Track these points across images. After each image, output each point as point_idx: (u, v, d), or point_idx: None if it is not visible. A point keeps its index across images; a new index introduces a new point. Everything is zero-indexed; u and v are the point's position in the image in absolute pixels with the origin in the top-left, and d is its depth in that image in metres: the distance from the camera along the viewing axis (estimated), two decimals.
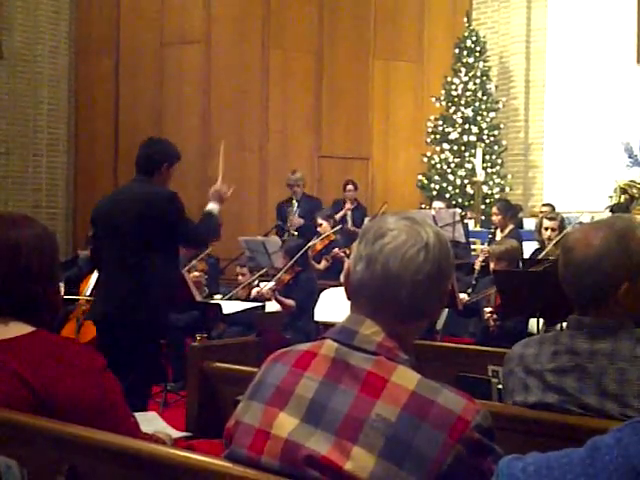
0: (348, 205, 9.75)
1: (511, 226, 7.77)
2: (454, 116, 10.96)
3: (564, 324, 2.39)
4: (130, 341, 4.20)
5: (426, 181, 11.03)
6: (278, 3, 11.35)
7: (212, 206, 4.55)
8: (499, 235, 7.50)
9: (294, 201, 9.63)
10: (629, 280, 1.99)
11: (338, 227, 8.75)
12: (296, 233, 9.21)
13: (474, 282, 6.32)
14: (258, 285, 7.41)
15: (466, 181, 10.71)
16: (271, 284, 6.93)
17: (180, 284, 6.04)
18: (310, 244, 7.44)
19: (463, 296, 6.13)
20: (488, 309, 5.78)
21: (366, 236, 1.56)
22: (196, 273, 7.22)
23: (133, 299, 4.27)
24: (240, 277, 7.66)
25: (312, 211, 9.18)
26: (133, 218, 4.27)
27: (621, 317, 2.02)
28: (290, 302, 6.66)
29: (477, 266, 6.54)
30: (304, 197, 9.73)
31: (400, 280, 1.51)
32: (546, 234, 6.68)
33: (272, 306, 6.93)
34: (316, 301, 6.94)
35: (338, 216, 9.69)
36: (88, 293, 6.91)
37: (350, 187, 9.95)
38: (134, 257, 4.28)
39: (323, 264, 8.53)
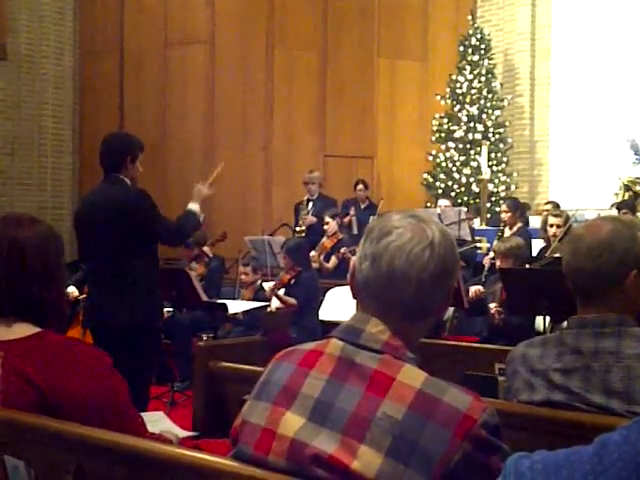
0: (352, 212, 9.62)
1: (520, 224, 7.74)
2: (459, 114, 10.93)
3: None
4: (122, 347, 4.16)
5: (431, 179, 11.01)
6: (282, 1, 11.34)
7: (193, 205, 4.51)
8: (507, 233, 7.47)
9: (305, 200, 9.54)
10: (638, 268, 2.00)
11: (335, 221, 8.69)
12: (304, 233, 9.14)
13: (483, 280, 6.28)
14: (262, 286, 7.40)
15: (471, 179, 10.68)
16: (272, 284, 6.93)
17: (186, 284, 6.07)
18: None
19: (476, 287, 6.05)
20: (493, 304, 5.77)
21: (371, 234, 1.55)
22: (193, 273, 7.16)
23: (116, 305, 4.21)
24: (243, 277, 7.61)
25: (326, 211, 9.04)
26: (105, 225, 4.22)
27: (623, 311, 2.02)
28: (291, 300, 6.66)
29: (486, 263, 6.50)
30: (320, 197, 9.60)
31: (405, 278, 1.50)
32: (551, 231, 6.67)
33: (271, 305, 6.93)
34: (320, 300, 6.93)
35: (344, 220, 9.63)
36: None
37: (360, 187, 9.88)
38: (113, 263, 4.24)
39: (332, 263, 8.49)
